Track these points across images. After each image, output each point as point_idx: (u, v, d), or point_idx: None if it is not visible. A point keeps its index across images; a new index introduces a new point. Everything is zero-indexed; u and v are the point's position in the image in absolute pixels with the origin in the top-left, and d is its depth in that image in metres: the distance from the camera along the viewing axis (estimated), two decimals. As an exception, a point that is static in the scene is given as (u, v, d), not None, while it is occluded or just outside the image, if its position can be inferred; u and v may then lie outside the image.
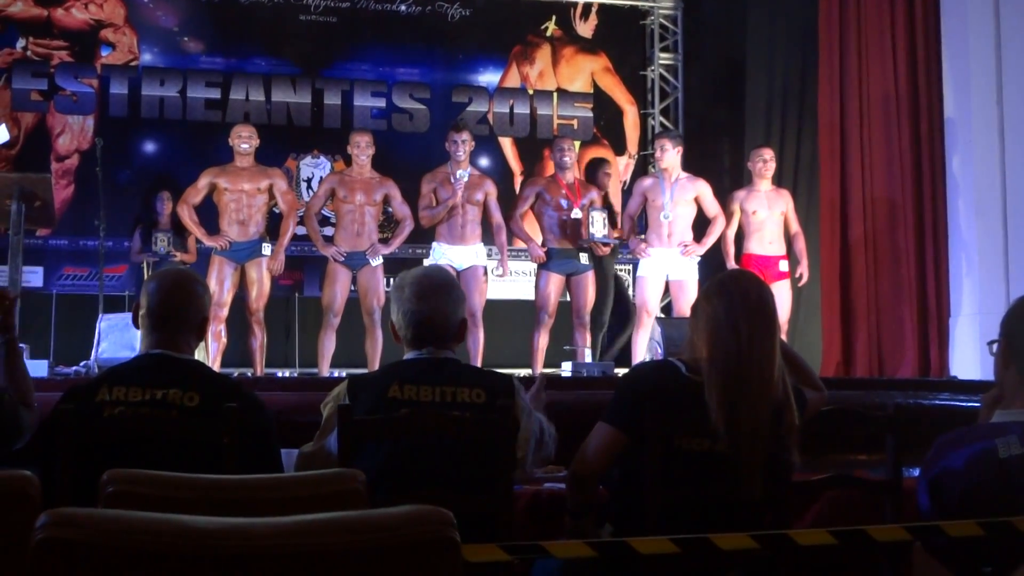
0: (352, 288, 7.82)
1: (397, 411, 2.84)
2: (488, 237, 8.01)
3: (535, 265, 8.20)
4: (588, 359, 7.86)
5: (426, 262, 8.07)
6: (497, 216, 7.92)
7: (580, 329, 8.00)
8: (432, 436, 2.84)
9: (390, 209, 8.01)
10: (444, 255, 7.75)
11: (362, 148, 7.73)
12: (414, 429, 2.83)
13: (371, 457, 2.86)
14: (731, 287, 2.90)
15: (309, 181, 10.15)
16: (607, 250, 8.17)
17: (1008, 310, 2.67)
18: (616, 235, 8.25)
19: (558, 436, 3.21)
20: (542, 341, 7.97)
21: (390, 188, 7.82)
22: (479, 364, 7.29)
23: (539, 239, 8.08)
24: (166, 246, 8.37)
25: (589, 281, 8.04)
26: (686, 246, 7.82)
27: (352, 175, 7.81)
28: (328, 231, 8.36)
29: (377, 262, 7.72)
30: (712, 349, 2.84)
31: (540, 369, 7.90)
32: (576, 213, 7.94)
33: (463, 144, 7.74)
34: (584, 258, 7.97)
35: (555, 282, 7.97)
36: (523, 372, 8.03)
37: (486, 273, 8.07)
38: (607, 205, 8.30)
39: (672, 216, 7.80)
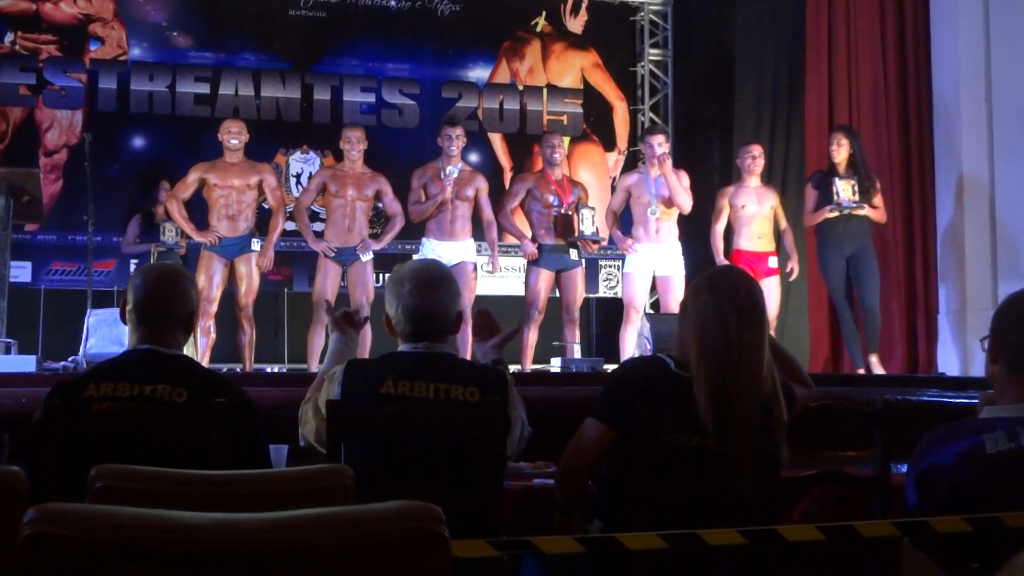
0: (342, 283, 7.81)
1: (388, 408, 2.84)
2: (478, 233, 8.01)
3: (524, 261, 8.19)
4: (577, 355, 7.86)
5: (415, 258, 8.03)
6: (488, 212, 7.93)
7: (570, 325, 8.02)
8: (421, 433, 2.84)
9: (380, 205, 8.02)
10: (434, 251, 7.73)
11: (353, 143, 7.74)
12: (402, 427, 2.83)
13: (360, 453, 2.86)
14: (720, 283, 2.91)
15: (298, 176, 10.14)
16: (596, 248, 8.17)
17: (999, 306, 2.67)
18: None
19: (547, 433, 3.22)
20: (531, 337, 7.95)
21: (381, 184, 7.83)
22: (467, 357, 7.26)
23: (528, 235, 8.08)
24: (174, 236, 8.27)
25: (579, 277, 8.08)
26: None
27: (343, 170, 7.83)
28: (318, 227, 8.32)
29: (367, 257, 7.72)
30: (701, 345, 2.84)
31: (529, 366, 7.87)
32: (566, 209, 7.94)
33: (456, 139, 7.75)
34: (574, 254, 7.99)
35: (545, 278, 7.97)
36: (513, 368, 8.00)
37: (475, 270, 8.07)
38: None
39: (659, 212, 7.83)
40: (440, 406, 2.89)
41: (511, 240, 8.59)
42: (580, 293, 8.13)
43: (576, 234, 7.89)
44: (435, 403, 2.89)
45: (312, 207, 8.21)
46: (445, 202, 7.72)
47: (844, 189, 7.77)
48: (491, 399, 2.83)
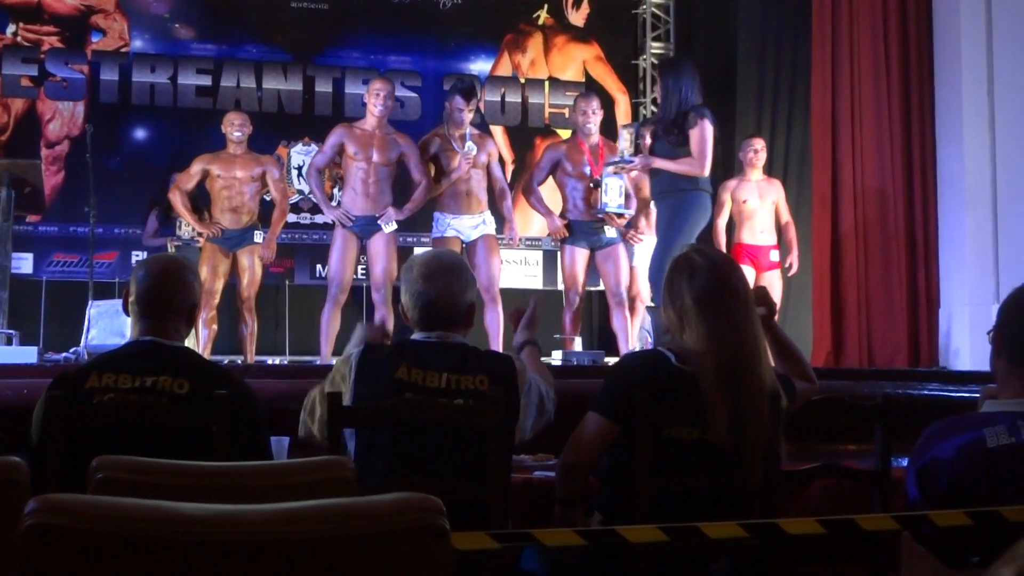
0: (361, 258, 7.34)
1: (402, 394, 2.86)
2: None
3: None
4: (638, 345, 7.15)
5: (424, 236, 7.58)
6: (500, 179, 7.32)
7: (618, 308, 7.27)
8: (425, 425, 2.85)
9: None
10: (449, 226, 7.17)
11: (381, 98, 7.03)
12: (404, 418, 2.84)
13: (364, 444, 2.88)
14: (704, 284, 2.88)
15: (300, 169, 10.13)
16: (623, 222, 7.30)
17: (1004, 300, 2.67)
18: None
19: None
20: (573, 325, 7.40)
21: (407, 147, 7.15)
22: (500, 344, 6.96)
23: (557, 211, 7.45)
24: (191, 231, 8.26)
25: (619, 254, 7.33)
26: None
27: (365, 128, 7.12)
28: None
29: (390, 228, 7.08)
30: (710, 347, 2.83)
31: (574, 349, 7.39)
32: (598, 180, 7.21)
33: (468, 112, 7.06)
34: (612, 230, 7.29)
35: (581, 257, 7.29)
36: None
37: (497, 240, 7.40)
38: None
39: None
40: (452, 396, 2.90)
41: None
42: (623, 272, 7.32)
43: (597, 206, 7.09)
44: (447, 393, 2.91)
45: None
46: (459, 177, 7.06)
47: (623, 139, 6.77)
48: (494, 391, 2.83)
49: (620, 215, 7.15)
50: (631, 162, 6.52)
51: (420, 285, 3.02)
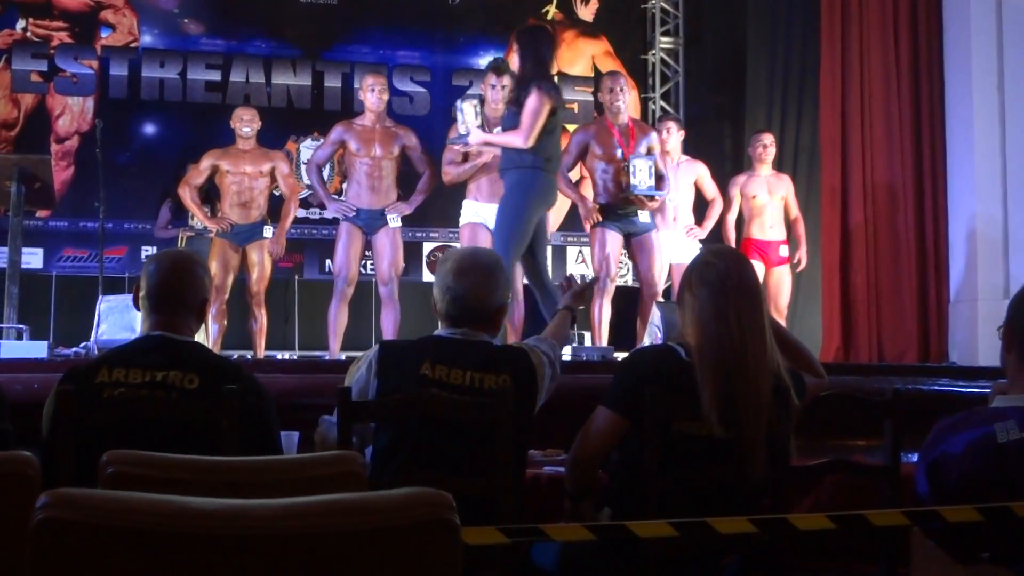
0: (367, 253, 7.31)
1: (427, 390, 2.87)
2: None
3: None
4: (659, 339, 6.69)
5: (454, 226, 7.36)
6: None
7: (650, 301, 6.86)
8: (439, 421, 2.85)
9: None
10: (477, 213, 6.96)
11: (377, 92, 7.03)
12: (412, 413, 2.84)
13: (379, 439, 2.88)
14: (710, 274, 2.89)
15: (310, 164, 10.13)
16: (655, 205, 6.89)
17: (1014, 296, 2.67)
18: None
19: (558, 420, 3.24)
20: (605, 312, 6.92)
21: (409, 138, 7.16)
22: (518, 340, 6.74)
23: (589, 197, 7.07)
24: None
25: (653, 242, 6.95)
26: (691, 228, 7.73)
27: (365, 124, 7.13)
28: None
29: (396, 223, 7.04)
30: (703, 340, 2.84)
31: (603, 343, 7.02)
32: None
33: (500, 90, 6.76)
34: (645, 215, 6.86)
35: (613, 240, 6.86)
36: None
37: None
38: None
39: (676, 200, 7.69)
40: (475, 394, 2.90)
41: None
42: (659, 262, 7.00)
43: (625, 189, 6.72)
44: (470, 391, 2.91)
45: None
46: (486, 163, 6.81)
47: (467, 113, 6.52)
48: (503, 388, 2.83)
49: (651, 197, 6.76)
50: (466, 137, 6.42)
51: (451, 280, 3.03)
